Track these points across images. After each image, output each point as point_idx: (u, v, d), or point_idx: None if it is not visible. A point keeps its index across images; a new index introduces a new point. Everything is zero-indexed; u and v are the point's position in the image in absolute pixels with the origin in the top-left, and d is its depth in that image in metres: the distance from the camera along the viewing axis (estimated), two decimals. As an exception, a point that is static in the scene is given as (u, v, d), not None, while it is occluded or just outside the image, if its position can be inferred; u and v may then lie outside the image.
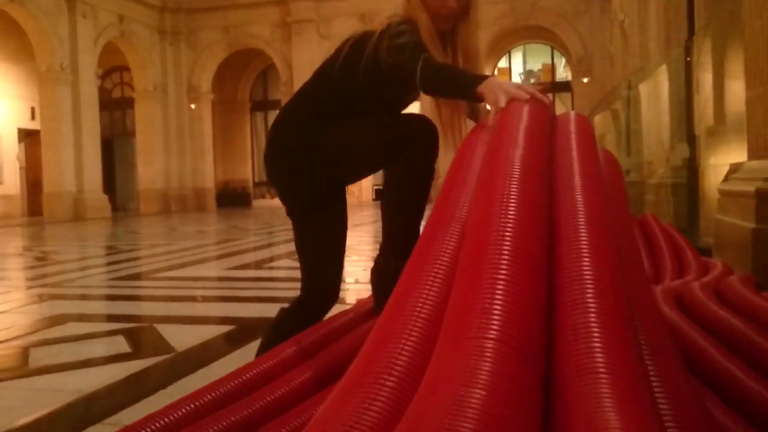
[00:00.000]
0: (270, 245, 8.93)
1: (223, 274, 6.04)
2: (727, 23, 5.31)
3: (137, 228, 13.59)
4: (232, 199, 23.41)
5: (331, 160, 1.88)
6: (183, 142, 21.26)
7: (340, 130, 1.88)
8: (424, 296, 0.90)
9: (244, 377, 1.48)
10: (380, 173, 1.95)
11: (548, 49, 21.49)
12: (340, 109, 1.91)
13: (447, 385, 0.61)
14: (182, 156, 21.27)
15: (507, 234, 0.83)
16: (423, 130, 1.80)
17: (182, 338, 3.17)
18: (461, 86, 1.66)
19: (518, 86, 1.56)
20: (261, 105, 24.52)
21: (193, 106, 21.41)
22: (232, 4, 20.80)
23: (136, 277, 5.96)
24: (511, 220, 0.85)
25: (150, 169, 20.42)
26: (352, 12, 19.87)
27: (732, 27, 5.08)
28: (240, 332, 3.36)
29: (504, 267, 0.78)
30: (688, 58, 6.36)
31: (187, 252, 7.87)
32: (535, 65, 22.64)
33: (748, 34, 3.54)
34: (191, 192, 21.55)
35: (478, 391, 0.59)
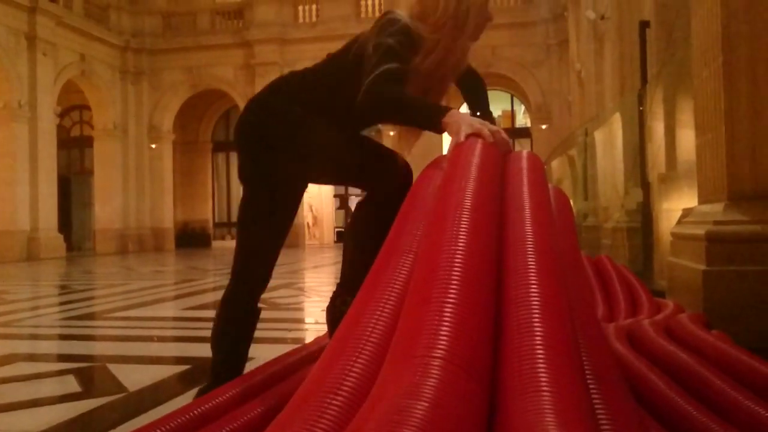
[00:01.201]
0: (229, 286, 8.80)
1: (180, 314, 5.93)
2: (677, 73, 5.52)
3: (93, 268, 13.30)
4: (191, 239, 23.13)
5: (302, 150, 1.87)
6: (142, 182, 21.03)
7: (325, 129, 1.86)
8: (374, 321, 0.91)
9: (193, 412, 1.46)
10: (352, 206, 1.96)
11: (508, 96, 21.96)
12: (333, 101, 1.89)
13: (391, 398, 0.62)
14: (141, 195, 21.02)
15: (457, 259, 0.84)
16: (399, 173, 1.82)
17: (135, 378, 3.09)
18: (423, 114, 1.66)
19: (481, 122, 1.61)
20: (223, 146, 24.45)
21: (153, 145, 21.26)
22: (196, 46, 20.87)
23: (89, 316, 5.82)
24: (461, 247, 0.87)
25: (107, 208, 20.11)
26: (315, 56, 19.85)
27: (681, 77, 5.28)
28: (195, 372, 3.29)
29: (453, 289, 0.79)
30: (641, 107, 6.57)
31: (143, 292, 7.72)
32: (495, 111, 23.11)
33: (696, 83, 3.69)
34: (149, 232, 21.25)
35: (421, 403, 0.59)
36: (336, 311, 1.91)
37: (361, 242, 1.89)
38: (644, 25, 6.58)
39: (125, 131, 20.60)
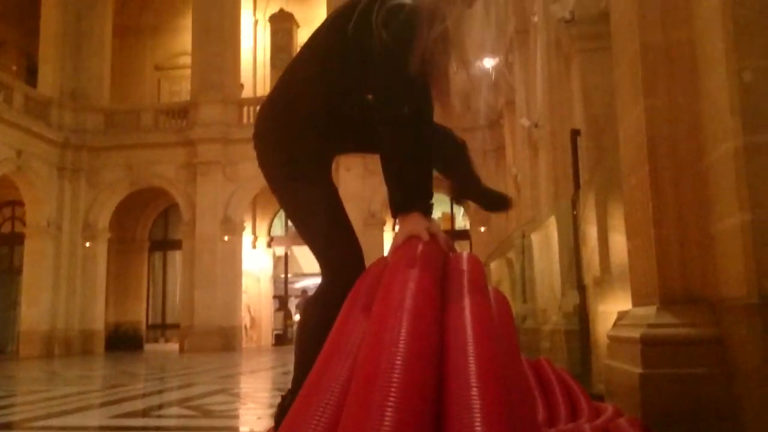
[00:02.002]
0: (160, 392, 8.43)
1: (107, 422, 5.60)
2: (607, 180, 5.75)
3: (14, 372, 12.58)
4: (122, 341, 22.18)
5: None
6: (74, 281, 20.30)
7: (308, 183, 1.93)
8: (314, 425, 0.88)
9: None
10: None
11: (447, 198, 22.46)
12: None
13: None
14: (72, 295, 20.22)
15: (397, 363, 0.83)
16: (352, 269, 1.82)
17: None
18: (399, 188, 1.68)
19: (427, 226, 1.63)
20: (160, 245, 24.02)
21: (88, 244, 20.70)
22: (138, 144, 20.78)
23: (6, 426, 5.44)
24: (401, 351, 0.86)
25: (35, 309, 19.23)
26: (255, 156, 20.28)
27: (611, 184, 5.50)
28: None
29: (393, 395, 0.77)
30: (575, 212, 6.78)
31: (68, 399, 7.30)
32: (435, 213, 23.49)
33: (625, 190, 3.84)
34: (78, 334, 20.29)
35: None
36: (286, 410, 1.84)
37: (310, 346, 1.85)
38: (575, 133, 6.90)
39: (59, 229, 20.05)
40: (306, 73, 2.00)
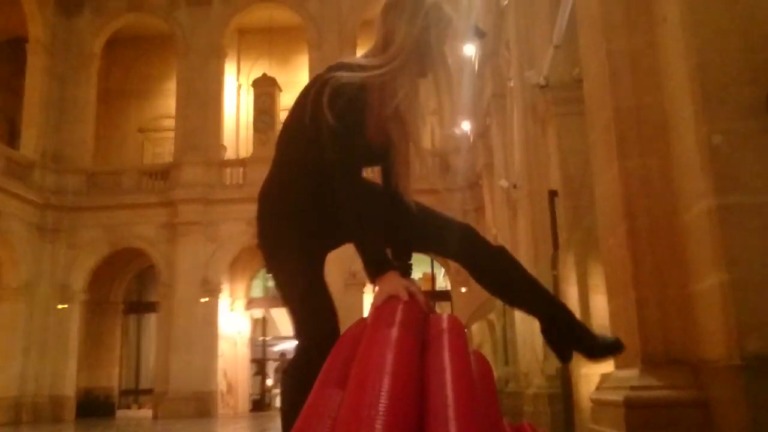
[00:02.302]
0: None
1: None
2: (585, 240, 5.80)
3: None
4: (93, 408, 21.43)
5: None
6: (45, 345, 19.69)
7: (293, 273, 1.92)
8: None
9: None
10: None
11: (428, 259, 22.47)
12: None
13: None
14: (42, 360, 19.56)
15: (377, 427, 0.81)
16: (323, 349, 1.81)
17: None
18: (370, 254, 1.71)
19: (407, 285, 1.63)
20: (135, 307, 23.61)
21: (62, 306, 20.27)
22: (118, 204, 20.65)
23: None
24: (381, 413, 0.84)
25: (3, 375, 18.54)
26: (239, 217, 20.25)
27: (590, 243, 5.54)
28: None
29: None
30: (555, 272, 6.80)
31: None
32: (416, 274, 23.47)
33: (604, 249, 3.87)
34: (47, 400, 19.57)
35: None
36: None
37: (289, 415, 1.82)
38: (553, 194, 6.98)
39: (34, 290, 19.67)
40: (286, 158, 2.04)
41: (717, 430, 2.85)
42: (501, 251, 1.97)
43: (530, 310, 1.96)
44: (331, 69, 1.89)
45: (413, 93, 1.92)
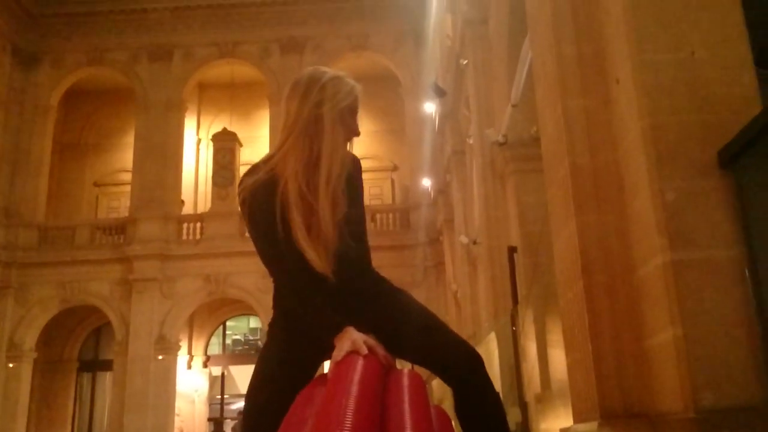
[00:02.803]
0: None
1: None
2: (544, 295, 5.86)
3: None
4: (42, 471, 20.57)
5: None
6: (-8, 406, 18.97)
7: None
8: None
9: None
10: None
11: (389, 315, 22.37)
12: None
13: None
14: (-11, 422, 18.85)
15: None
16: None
17: None
18: (321, 327, 1.72)
19: (365, 339, 1.63)
20: (90, 365, 22.83)
21: (11, 365, 19.53)
22: (71, 260, 20.13)
23: None
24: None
25: (-53, 436, 17.79)
26: (196, 273, 19.95)
27: (549, 299, 5.60)
28: None
29: None
30: (514, 327, 6.84)
31: None
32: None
33: (562, 304, 3.91)
34: (-6, 463, 18.79)
35: None
36: None
37: None
38: (512, 250, 7.07)
39: (-20, 349, 18.94)
40: None
41: (676, 484, 2.85)
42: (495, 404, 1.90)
43: None
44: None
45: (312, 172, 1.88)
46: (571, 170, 3.53)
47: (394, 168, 23.36)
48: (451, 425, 1.74)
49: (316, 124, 1.87)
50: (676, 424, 2.81)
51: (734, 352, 2.69)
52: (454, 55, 12.40)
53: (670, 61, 3.05)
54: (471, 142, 10.65)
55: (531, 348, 6.27)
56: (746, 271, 2.73)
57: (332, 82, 1.91)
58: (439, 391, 12.04)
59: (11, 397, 19.35)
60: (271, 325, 1.99)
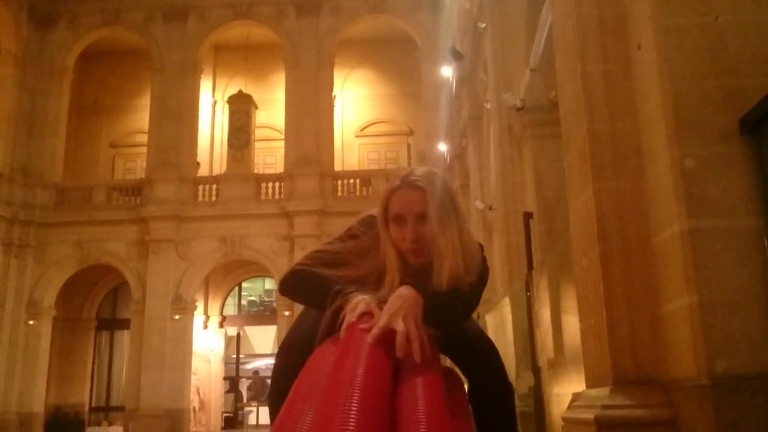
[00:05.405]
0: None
1: None
2: (559, 262, 5.85)
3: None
4: (63, 425, 21.06)
5: None
6: (14, 361, 19.34)
7: None
8: None
9: None
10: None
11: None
12: None
13: None
14: (11, 377, 19.21)
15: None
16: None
17: None
18: (321, 295, 1.72)
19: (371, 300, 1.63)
20: (108, 324, 23.23)
21: (31, 322, 19.91)
22: (88, 221, 20.36)
23: None
24: (351, 425, 0.84)
25: (-31, 391, 18.21)
26: (212, 234, 20.08)
27: (564, 265, 5.59)
28: None
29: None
30: (528, 293, 6.85)
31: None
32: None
33: (577, 271, 3.91)
34: (15, 417, 19.21)
35: None
36: None
37: None
38: (528, 215, 7.04)
39: (1, 306, 19.28)
40: None
41: (687, 449, 2.87)
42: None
43: None
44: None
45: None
46: (589, 136, 3.49)
47: (411, 132, 23.24)
48: (464, 389, 1.76)
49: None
50: (689, 390, 2.82)
51: (749, 321, 2.68)
52: (471, 19, 12.22)
53: (693, 26, 2.99)
54: (488, 106, 10.55)
55: (545, 314, 6.29)
56: (765, 240, 2.71)
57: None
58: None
59: (32, 354, 19.78)
60: None
